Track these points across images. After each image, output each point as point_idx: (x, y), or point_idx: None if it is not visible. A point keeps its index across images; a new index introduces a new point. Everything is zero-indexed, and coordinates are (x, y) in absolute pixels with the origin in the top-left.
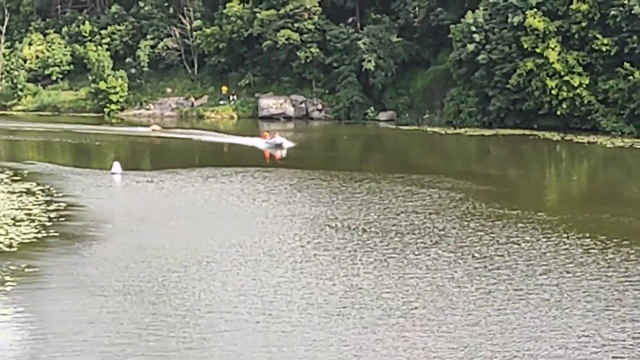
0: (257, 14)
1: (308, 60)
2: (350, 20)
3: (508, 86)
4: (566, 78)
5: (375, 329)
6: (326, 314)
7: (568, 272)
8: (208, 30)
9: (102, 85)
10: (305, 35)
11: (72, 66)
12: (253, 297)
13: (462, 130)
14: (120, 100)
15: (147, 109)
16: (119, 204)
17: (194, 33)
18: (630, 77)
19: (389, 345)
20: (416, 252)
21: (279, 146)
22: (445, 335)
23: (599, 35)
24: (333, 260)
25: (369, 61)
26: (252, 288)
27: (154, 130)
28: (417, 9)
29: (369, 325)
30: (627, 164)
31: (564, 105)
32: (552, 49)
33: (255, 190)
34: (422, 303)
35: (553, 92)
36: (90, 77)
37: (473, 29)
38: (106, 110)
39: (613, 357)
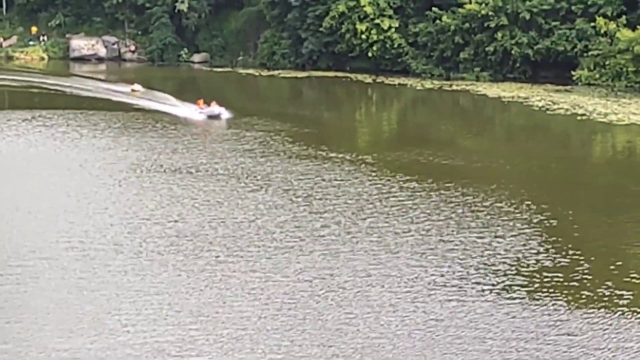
0: None
1: (120, 0)
2: None
3: (321, 29)
4: (377, 21)
5: (200, 273)
6: (149, 259)
7: (394, 214)
8: None
9: None
10: None
11: None
12: (75, 243)
13: (275, 72)
14: None
15: None
16: None
17: None
18: (439, 21)
19: (213, 287)
20: (242, 196)
21: (215, 117)
22: (271, 277)
23: None
24: (158, 205)
25: (182, 2)
26: (75, 234)
27: (133, 90)
28: None
29: (193, 269)
30: (436, 105)
31: (375, 48)
32: None
33: (79, 135)
34: (249, 247)
35: (363, 35)
36: None
37: None
38: None
39: (439, 298)
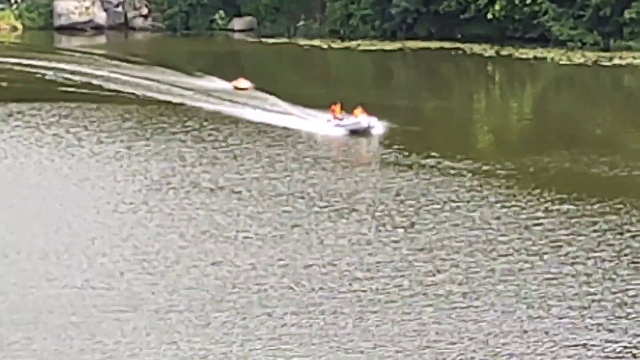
0: None
1: None
2: None
3: None
4: None
5: (253, 344)
6: (179, 320)
7: (539, 252)
8: None
9: None
10: None
11: None
12: (71, 298)
13: (353, 43)
14: None
15: None
16: None
17: None
18: None
19: None
20: (314, 227)
21: (362, 132)
22: (360, 347)
23: None
24: (193, 241)
25: None
26: (69, 286)
27: (237, 88)
28: None
29: (242, 338)
30: (590, 88)
31: (498, 6)
32: None
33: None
34: (325, 303)
35: None
36: None
37: None
38: None
39: None
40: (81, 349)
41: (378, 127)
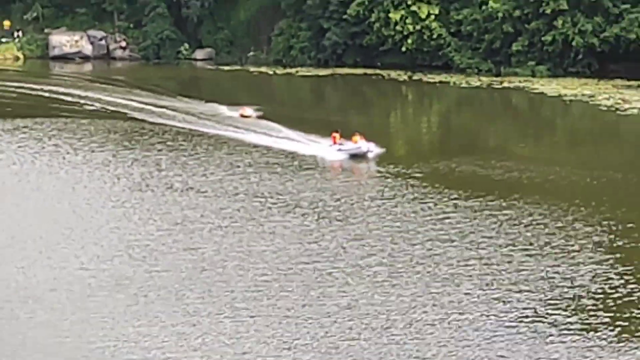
0: None
1: None
2: None
3: (346, 17)
4: (413, 8)
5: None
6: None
7: (450, 239)
8: None
9: None
10: None
11: None
12: (67, 277)
13: (293, 70)
14: None
15: None
16: None
17: None
18: (486, 6)
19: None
20: (265, 220)
21: (361, 156)
22: (306, 318)
23: None
24: (168, 231)
25: None
26: (68, 267)
27: (243, 116)
28: None
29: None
30: (484, 106)
31: (410, 40)
32: None
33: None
34: (274, 282)
35: (398, 26)
36: None
37: None
38: None
39: (509, 340)
40: (78, 321)
41: (375, 151)
